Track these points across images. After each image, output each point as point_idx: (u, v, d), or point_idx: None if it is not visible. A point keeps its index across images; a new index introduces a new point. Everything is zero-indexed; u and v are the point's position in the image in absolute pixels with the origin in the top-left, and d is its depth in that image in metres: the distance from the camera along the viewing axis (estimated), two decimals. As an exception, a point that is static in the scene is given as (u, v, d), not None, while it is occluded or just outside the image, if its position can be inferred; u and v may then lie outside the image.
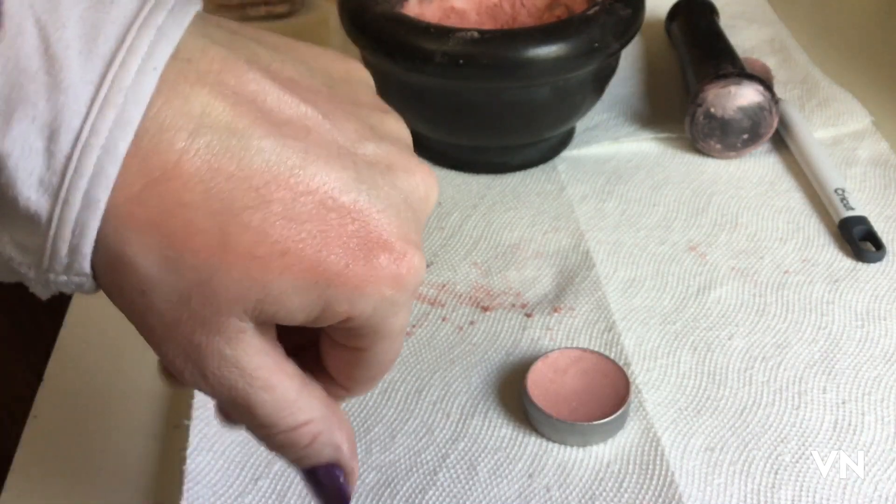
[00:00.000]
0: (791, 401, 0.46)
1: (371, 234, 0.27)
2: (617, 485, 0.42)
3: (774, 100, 0.60)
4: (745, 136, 0.61)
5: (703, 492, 0.42)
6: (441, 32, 0.55)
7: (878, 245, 0.54)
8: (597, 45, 0.56)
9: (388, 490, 0.42)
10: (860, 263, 0.54)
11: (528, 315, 0.51)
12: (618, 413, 0.44)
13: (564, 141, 0.65)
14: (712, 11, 0.73)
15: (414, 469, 0.43)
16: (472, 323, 0.51)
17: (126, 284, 0.26)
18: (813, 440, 0.44)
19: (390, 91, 0.60)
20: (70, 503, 0.43)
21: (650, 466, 0.43)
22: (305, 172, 0.26)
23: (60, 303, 0.54)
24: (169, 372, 0.29)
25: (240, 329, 0.27)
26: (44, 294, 0.26)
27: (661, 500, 0.41)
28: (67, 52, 0.23)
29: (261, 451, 0.44)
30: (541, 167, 0.63)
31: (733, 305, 0.52)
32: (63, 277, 0.25)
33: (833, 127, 0.65)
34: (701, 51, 0.66)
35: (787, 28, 0.77)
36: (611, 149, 0.65)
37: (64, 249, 0.25)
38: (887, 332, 0.49)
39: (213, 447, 0.44)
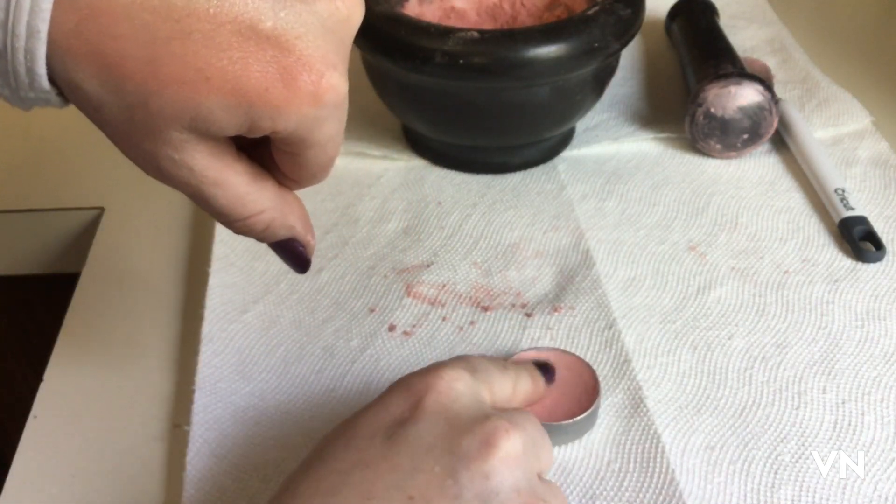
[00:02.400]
0: (791, 401, 0.46)
1: (289, 58, 0.30)
2: (617, 483, 0.42)
3: (774, 100, 0.60)
4: (745, 136, 0.61)
5: (703, 490, 0.42)
6: (441, 32, 0.55)
7: (878, 245, 0.54)
8: (597, 45, 0.56)
9: (389, 490, 0.42)
10: (860, 263, 0.54)
11: (528, 315, 0.51)
12: (585, 414, 0.43)
13: (564, 141, 0.65)
14: (712, 11, 0.73)
15: (414, 469, 0.43)
16: (472, 323, 0.51)
17: (82, 103, 0.30)
18: (813, 440, 0.44)
19: (390, 91, 0.60)
20: (70, 503, 0.43)
21: (650, 464, 0.43)
22: (222, 3, 0.29)
23: (60, 303, 0.54)
24: None
25: (182, 139, 0.31)
26: (25, 108, 0.31)
27: (661, 498, 0.41)
28: None
29: (261, 454, 0.44)
30: (541, 167, 0.63)
31: (733, 305, 0.52)
32: (31, 94, 0.30)
33: (833, 127, 0.65)
34: (701, 51, 0.67)
35: (787, 28, 0.77)
36: (611, 149, 0.65)
37: (22, 71, 0.29)
38: (887, 332, 0.49)
39: (214, 451, 0.44)
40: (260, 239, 0.36)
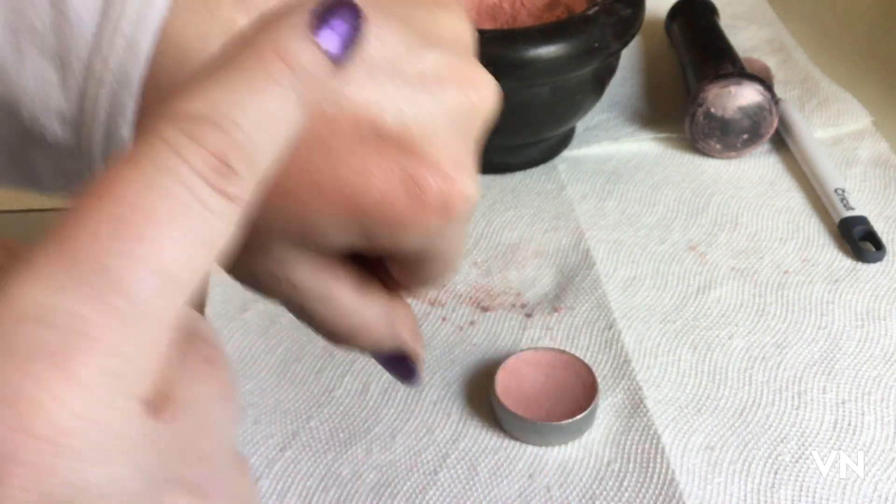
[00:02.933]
0: (791, 401, 0.46)
1: (414, 162, 0.25)
2: (617, 483, 0.42)
3: (774, 100, 0.60)
4: (745, 136, 0.61)
5: (703, 490, 0.42)
6: (441, 32, 0.55)
7: (878, 245, 0.54)
8: (597, 45, 0.56)
9: (389, 490, 0.42)
10: (860, 263, 0.54)
11: (528, 315, 0.51)
12: (583, 414, 0.43)
13: (564, 141, 0.65)
14: (712, 11, 0.73)
15: (415, 469, 0.43)
16: (472, 323, 0.51)
17: None
18: (813, 440, 0.44)
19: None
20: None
21: (650, 464, 0.43)
22: (339, 100, 0.24)
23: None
24: None
25: (285, 255, 0.26)
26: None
27: (661, 498, 0.41)
28: None
29: (261, 452, 0.44)
30: (541, 167, 0.63)
31: (733, 305, 0.52)
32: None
33: (833, 127, 0.65)
34: (701, 51, 0.66)
35: (787, 28, 0.77)
36: (611, 149, 0.65)
37: (100, 134, 0.24)
38: (887, 332, 0.49)
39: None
40: (365, 351, 0.32)
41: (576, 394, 0.45)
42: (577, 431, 0.44)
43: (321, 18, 0.21)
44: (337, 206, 0.25)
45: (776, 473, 0.42)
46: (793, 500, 0.41)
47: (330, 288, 0.28)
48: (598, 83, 0.60)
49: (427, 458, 0.44)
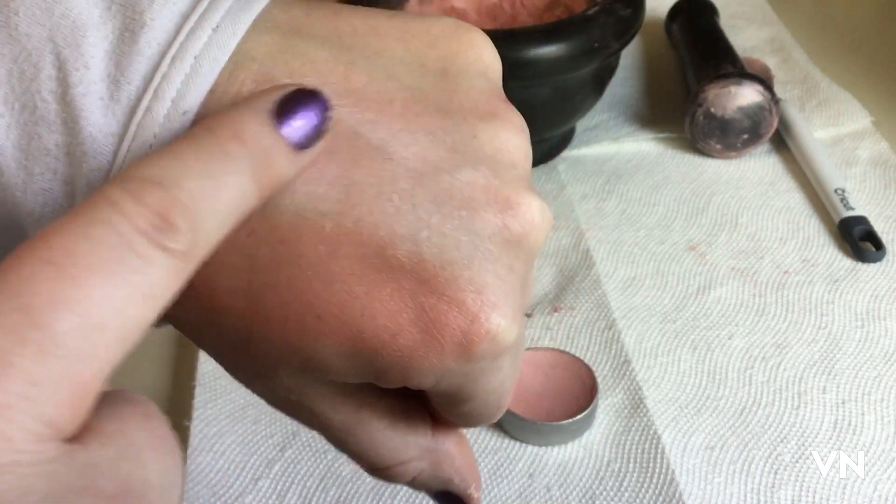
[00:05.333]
0: (791, 401, 0.46)
1: (431, 295, 0.22)
2: (617, 483, 0.42)
3: (774, 100, 0.60)
4: (745, 136, 0.61)
5: (703, 490, 0.42)
6: (441, 32, 0.55)
7: (878, 245, 0.54)
8: (597, 45, 0.56)
9: (389, 490, 0.42)
10: (860, 263, 0.54)
11: (528, 315, 0.51)
12: (583, 414, 0.43)
13: (564, 141, 0.65)
14: (712, 11, 0.73)
15: (414, 469, 0.43)
16: (472, 323, 0.51)
17: (177, 326, 0.24)
18: (813, 440, 0.44)
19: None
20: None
21: (650, 464, 0.43)
22: (344, 219, 0.21)
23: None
24: None
25: (297, 383, 0.24)
26: None
27: (661, 498, 0.41)
28: (86, 99, 0.21)
29: (261, 452, 0.44)
30: (541, 167, 0.63)
31: (733, 305, 0.52)
32: None
33: (833, 127, 0.65)
34: (701, 51, 0.66)
35: (787, 28, 0.77)
36: (611, 149, 0.65)
37: None
38: (887, 332, 0.49)
39: (213, 447, 0.44)
40: (410, 487, 0.28)
41: (576, 394, 0.45)
42: (577, 431, 0.44)
43: (285, 107, 0.20)
44: (336, 337, 0.22)
45: (776, 473, 0.42)
46: (793, 500, 0.41)
47: (357, 416, 0.25)
48: (598, 83, 0.60)
49: (427, 458, 0.44)
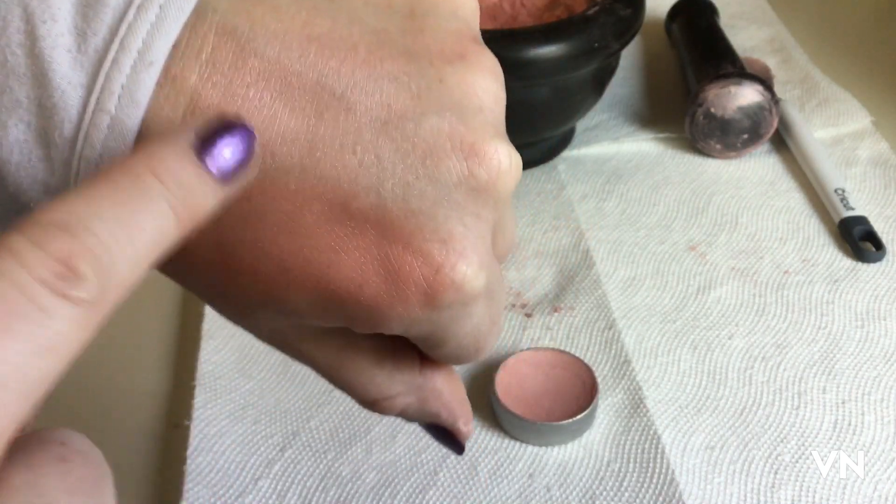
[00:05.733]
0: (791, 401, 0.46)
1: (394, 244, 0.22)
2: (617, 483, 0.42)
3: (774, 100, 0.60)
4: (745, 136, 0.61)
5: (703, 490, 0.42)
6: (441, 32, 0.55)
7: (878, 245, 0.54)
8: (597, 45, 0.56)
9: (389, 490, 0.42)
10: (860, 263, 0.54)
11: (528, 315, 0.51)
12: (583, 414, 0.43)
13: (564, 141, 0.65)
14: (712, 11, 0.73)
15: (414, 469, 0.43)
16: (472, 323, 0.51)
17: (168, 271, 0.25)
18: (813, 440, 0.44)
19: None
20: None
21: (650, 464, 0.43)
22: (307, 175, 0.22)
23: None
24: None
25: (279, 326, 0.25)
26: None
27: (661, 498, 0.41)
28: (54, 51, 0.21)
29: (261, 452, 0.44)
30: (541, 167, 0.63)
31: (733, 305, 0.52)
32: None
33: (833, 127, 0.65)
34: (701, 51, 0.66)
35: (787, 28, 0.77)
36: (611, 149, 0.65)
37: None
38: (887, 332, 0.49)
39: (213, 447, 0.44)
40: (402, 418, 0.30)
41: (576, 394, 0.45)
42: (577, 431, 0.44)
43: (208, 138, 0.20)
44: (305, 288, 0.22)
45: (776, 473, 0.42)
46: (793, 500, 0.41)
47: (339, 358, 0.26)
48: (598, 83, 0.60)
49: (427, 458, 0.44)
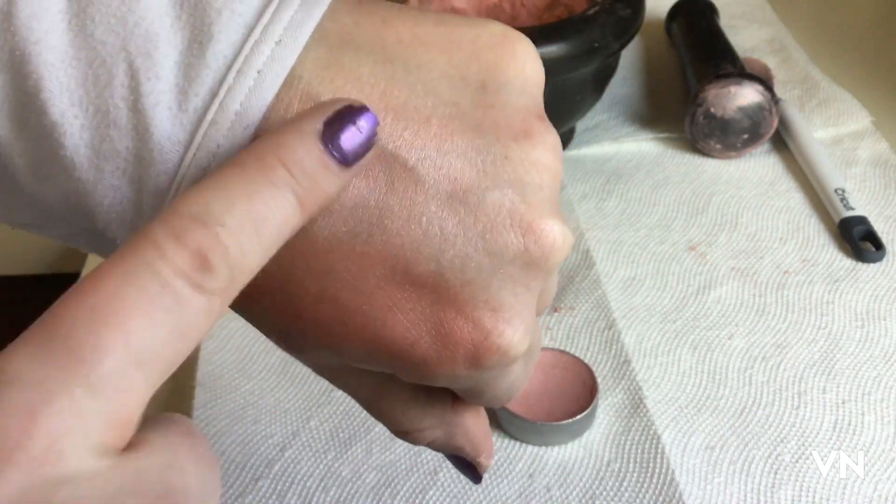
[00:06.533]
0: (791, 401, 0.46)
1: (447, 309, 0.24)
2: (617, 483, 0.42)
3: (774, 100, 0.60)
4: (745, 136, 0.61)
5: (703, 490, 0.42)
6: (441, 32, 0.55)
7: (878, 245, 0.54)
8: (597, 45, 0.56)
9: (389, 490, 0.42)
10: (860, 263, 0.54)
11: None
12: (583, 414, 0.43)
13: (564, 141, 0.65)
14: (712, 11, 0.73)
15: (414, 469, 0.43)
16: (472, 323, 0.51)
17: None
18: (813, 440, 0.44)
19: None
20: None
21: (650, 464, 0.43)
22: (374, 241, 0.23)
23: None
24: None
25: (323, 360, 0.27)
26: None
27: (661, 498, 0.41)
28: (156, 108, 0.22)
29: (261, 452, 0.44)
30: (541, 167, 0.63)
31: (733, 305, 0.52)
32: None
33: (833, 127, 0.65)
34: (701, 51, 0.67)
35: (787, 28, 0.77)
36: (611, 149, 0.65)
37: None
38: (887, 332, 0.49)
39: (213, 448, 0.44)
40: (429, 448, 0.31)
41: (576, 394, 0.45)
42: (577, 431, 0.44)
43: (332, 126, 0.21)
44: (360, 341, 0.24)
45: (776, 473, 0.42)
46: (793, 500, 0.41)
47: (377, 393, 0.28)
48: (598, 83, 0.60)
49: (427, 458, 0.44)
